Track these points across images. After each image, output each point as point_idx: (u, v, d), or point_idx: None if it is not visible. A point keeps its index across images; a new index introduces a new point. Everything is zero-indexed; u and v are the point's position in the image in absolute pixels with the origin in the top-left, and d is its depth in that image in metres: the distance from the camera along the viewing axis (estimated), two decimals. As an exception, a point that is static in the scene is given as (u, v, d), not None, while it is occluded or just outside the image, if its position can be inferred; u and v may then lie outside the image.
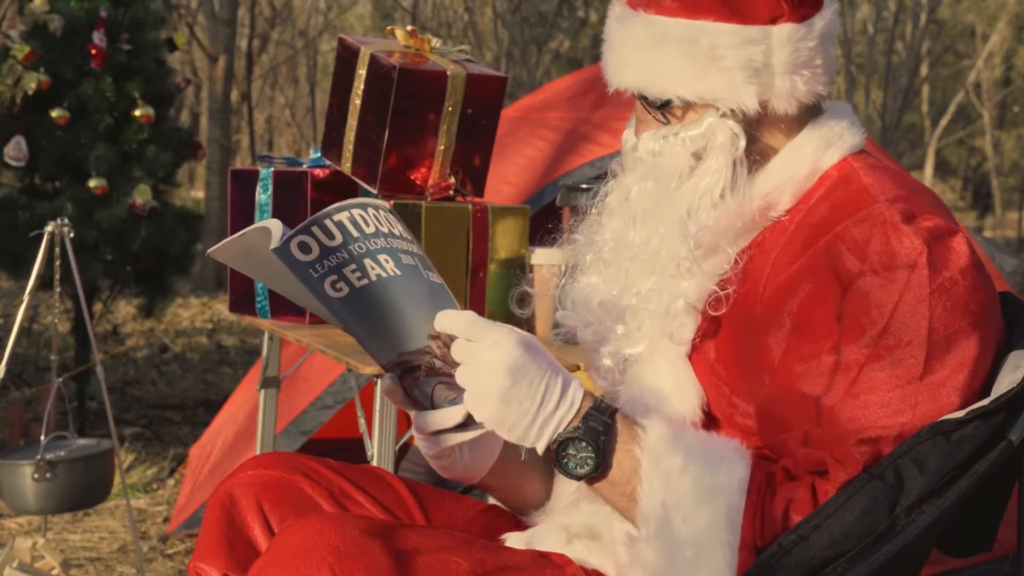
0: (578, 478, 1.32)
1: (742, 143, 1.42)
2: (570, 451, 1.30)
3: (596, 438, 1.30)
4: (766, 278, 1.40)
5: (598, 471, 1.31)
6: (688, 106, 1.44)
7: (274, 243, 1.30)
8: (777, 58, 1.41)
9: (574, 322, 1.53)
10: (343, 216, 1.32)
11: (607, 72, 1.52)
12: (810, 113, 1.48)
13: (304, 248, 1.30)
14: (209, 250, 1.43)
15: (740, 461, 1.31)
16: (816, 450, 1.31)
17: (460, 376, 1.31)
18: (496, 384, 1.29)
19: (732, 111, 1.42)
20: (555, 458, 1.31)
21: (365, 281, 1.32)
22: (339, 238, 1.31)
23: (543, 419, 1.30)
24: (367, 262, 1.32)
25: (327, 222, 1.31)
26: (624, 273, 1.46)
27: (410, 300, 1.34)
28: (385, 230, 1.36)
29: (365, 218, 1.35)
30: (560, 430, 1.30)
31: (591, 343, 1.53)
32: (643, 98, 1.46)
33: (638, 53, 1.45)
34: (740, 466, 1.30)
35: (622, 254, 1.47)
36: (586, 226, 1.56)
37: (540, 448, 1.31)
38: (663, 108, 1.44)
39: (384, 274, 1.33)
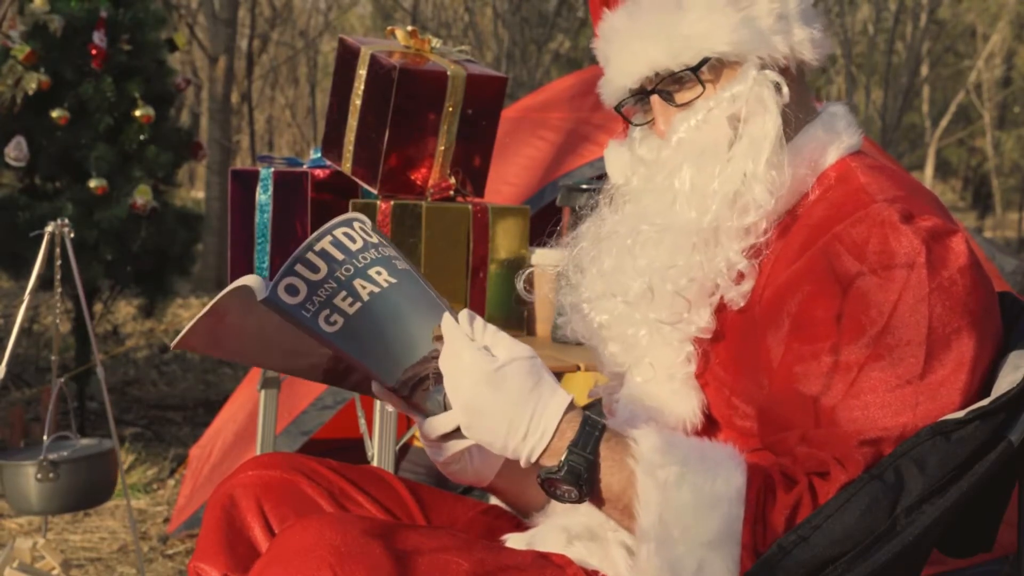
0: (569, 503, 1.32)
1: (786, 90, 1.42)
2: (556, 484, 1.30)
3: (577, 478, 1.29)
4: (765, 279, 1.40)
5: (585, 500, 1.31)
6: (721, 68, 1.44)
7: (261, 295, 1.28)
8: (791, 7, 1.44)
9: (594, 308, 1.52)
10: (325, 243, 1.30)
11: (615, 73, 1.50)
12: (809, 111, 1.49)
13: (292, 291, 1.29)
14: (173, 344, 1.41)
15: (736, 468, 1.30)
16: (817, 450, 1.30)
17: (447, 387, 1.32)
18: (459, 416, 1.31)
19: (765, 61, 1.43)
20: (542, 487, 1.32)
21: (358, 304, 1.31)
22: (324, 269, 1.29)
23: (513, 446, 1.31)
24: (357, 283, 1.30)
25: (309, 256, 1.29)
26: (690, 248, 1.42)
27: (409, 305, 1.33)
28: (374, 240, 1.34)
29: (351, 235, 1.32)
30: (536, 456, 1.30)
31: (601, 335, 1.52)
32: (669, 77, 1.45)
33: (659, 25, 1.44)
34: (737, 473, 1.30)
35: (672, 229, 1.44)
36: (599, 218, 1.55)
37: (522, 465, 1.32)
38: (698, 71, 1.43)
39: (376, 289, 1.31)
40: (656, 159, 1.49)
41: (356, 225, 1.33)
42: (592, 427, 1.31)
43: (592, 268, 1.52)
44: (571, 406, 1.31)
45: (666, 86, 1.46)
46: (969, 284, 1.32)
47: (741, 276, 1.41)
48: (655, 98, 1.48)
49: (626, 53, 1.48)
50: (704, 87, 1.44)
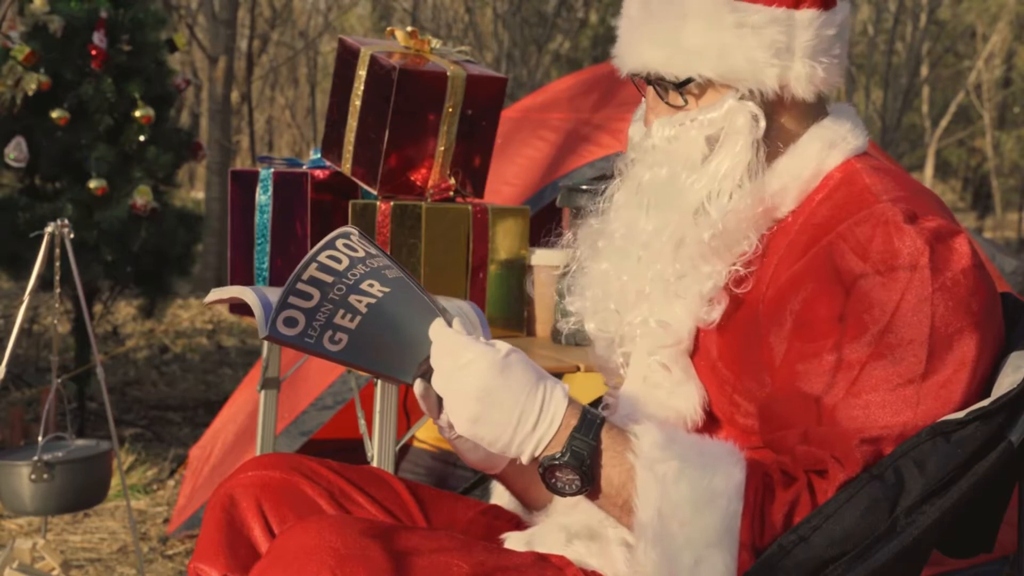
0: (568, 496, 1.32)
1: (763, 124, 1.42)
2: (557, 473, 1.30)
3: (581, 463, 1.29)
4: (769, 278, 1.40)
5: (586, 490, 1.31)
6: (707, 87, 1.44)
7: (262, 332, 1.31)
8: (799, 41, 1.42)
9: (581, 310, 1.53)
10: (312, 270, 1.31)
11: (621, 56, 1.50)
12: (816, 113, 1.49)
13: (290, 323, 1.31)
14: (204, 301, 1.44)
15: (736, 464, 1.31)
16: (816, 448, 1.30)
17: (436, 386, 1.31)
18: (466, 409, 1.29)
19: (751, 92, 1.42)
20: (542, 478, 1.31)
21: (358, 318, 1.32)
22: (317, 295, 1.31)
23: (520, 439, 1.30)
24: (352, 299, 1.32)
25: (299, 286, 1.30)
26: (636, 261, 1.45)
27: (409, 308, 1.34)
28: (361, 254, 1.35)
29: (336, 256, 1.33)
30: (541, 448, 1.30)
31: (596, 335, 1.53)
32: (659, 80, 1.45)
33: (660, 28, 1.44)
34: (736, 469, 1.30)
35: (634, 241, 1.46)
36: (594, 218, 1.56)
37: (524, 461, 1.31)
38: (682, 87, 1.44)
39: (372, 300, 1.33)
40: (640, 145, 1.51)
41: (340, 243, 1.34)
42: (593, 417, 1.32)
43: (591, 267, 1.53)
44: (570, 397, 1.32)
45: (659, 83, 1.47)
46: (972, 285, 1.33)
47: (712, 301, 1.42)
48: (650, 88, 1.49)
49: (628, 44, 1.48)
50: (686, 101, 1.45)
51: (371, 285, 1.33)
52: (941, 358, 1.30)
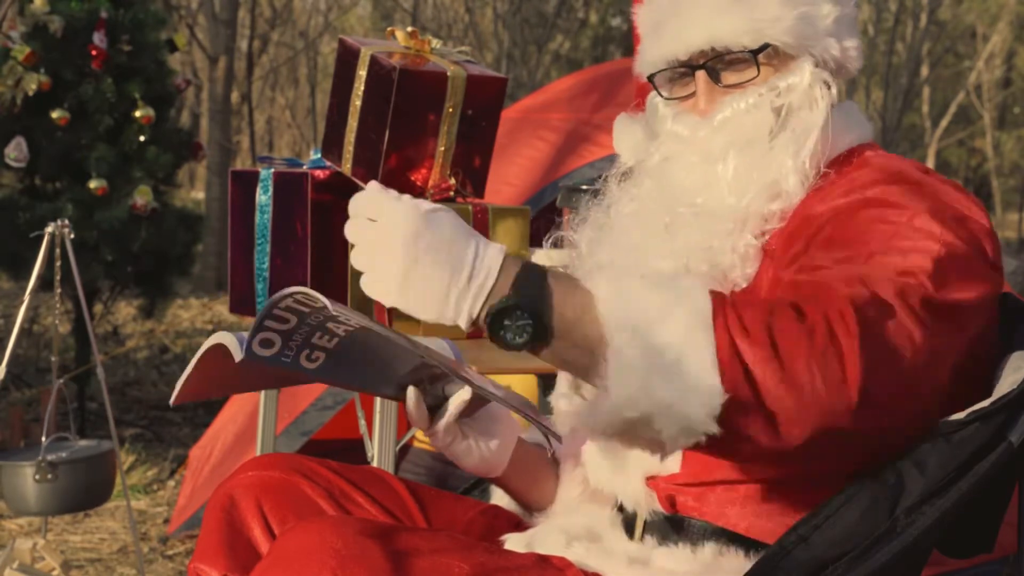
0: (519, 348, 1.20)
1: (834, 91, 1.44)
2: (506, 322, 1.19)
3: (531, 300, 1.18)
4: (776, 257, 1.40)
5: (539, 336, 1.19)
6: (777, 55, 1.43)
7: (238, 355, 1.30)
8: (842, 13, 1.46)
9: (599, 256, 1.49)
10: (288, 302, 1.28)
11: (666, 45, 1.47)
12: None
13: (266, 344, 1.30)
14: (172, 401, 1.46)
15: (690, 276, 1.30)
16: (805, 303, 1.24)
17: (354, 260, 1.22)
18: (393, 265, 1.19)
19: (817, 59, 1.44)
20: (490, 333, 1.19)
21: (336, 339, 1.33)
22: (293, 319, 1.30)
23: (456, 294, 1.19)
24: (330, 325, 1.31)
25: (276, 311, 1.28)
26: (725, 233, 1.41)
27: (383, 333, 1.31)
28: (332, 311, 1.29)
29: (310, 297, 1.28)
30: (480, 303, 1.19)
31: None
32: (724, 56, 1.43)
33: (727, 1, 1.43)
34: (692, 277, 1.28)
35: (708, 212, 1.42)
36: (609, 196, 1.54)
37: (463, 324, 1.20)
38: (756, 54, 1.42)
39: (350, 327, 1.32)
40: (692, 137, 1.46)
41: (312, 294, 1.28)
42: (535, 266, 1.22)
43: (611, 239, 1.48)
44: (508, 254, 1.22)
45: (716, 64, 1.45)
46: (983, 230, 1.34)
47: (747, 258, 1.41)
48: (701, 74, 1.46)
49: (685, 21, 1.45)
50: (759, 72, 1.44)
51: (348, 319, 1.31)
52: (946, 274, 1.28)
